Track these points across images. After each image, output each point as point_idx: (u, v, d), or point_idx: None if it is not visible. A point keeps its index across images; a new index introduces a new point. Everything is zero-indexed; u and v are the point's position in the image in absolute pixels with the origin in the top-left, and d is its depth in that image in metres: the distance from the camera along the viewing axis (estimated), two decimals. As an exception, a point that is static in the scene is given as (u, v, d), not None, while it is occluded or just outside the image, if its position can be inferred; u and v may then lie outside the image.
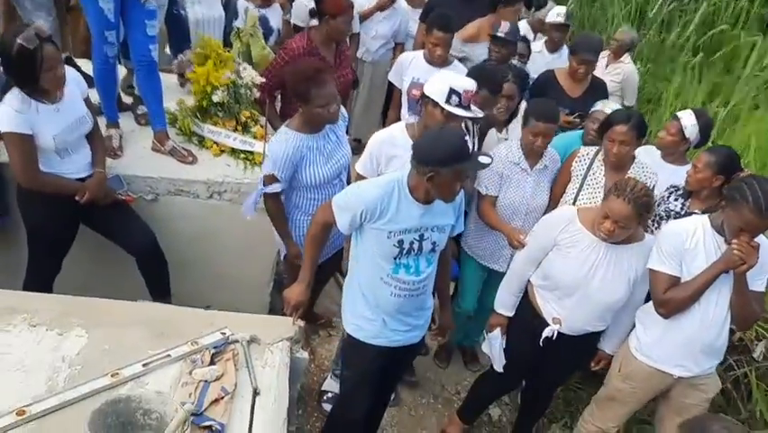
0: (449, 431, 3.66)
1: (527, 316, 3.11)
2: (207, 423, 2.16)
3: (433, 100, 2.97)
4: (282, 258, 3.46)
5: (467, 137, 2.50)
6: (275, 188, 3.10)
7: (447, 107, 2.93)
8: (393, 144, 3.09)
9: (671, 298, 2.79)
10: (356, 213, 2.55)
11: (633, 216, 2.70)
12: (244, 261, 3.76)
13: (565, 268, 2.91)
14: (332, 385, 3.66)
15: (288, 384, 2.53)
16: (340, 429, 3.09)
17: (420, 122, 3.12)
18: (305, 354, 2.79)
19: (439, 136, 2.44)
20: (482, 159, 2.46)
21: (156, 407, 2.04)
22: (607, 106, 3.72)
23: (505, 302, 3.19)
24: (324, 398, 3.67)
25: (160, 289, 3.38)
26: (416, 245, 2.59)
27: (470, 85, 2.99)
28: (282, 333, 2.69)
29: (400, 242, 2.57)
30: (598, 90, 4.44)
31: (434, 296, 2.92)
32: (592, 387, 3.43)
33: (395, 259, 2.60)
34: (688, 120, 3.50)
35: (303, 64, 3.16)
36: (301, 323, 2.76)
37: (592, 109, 3.79)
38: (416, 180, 2.51)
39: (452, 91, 2.93)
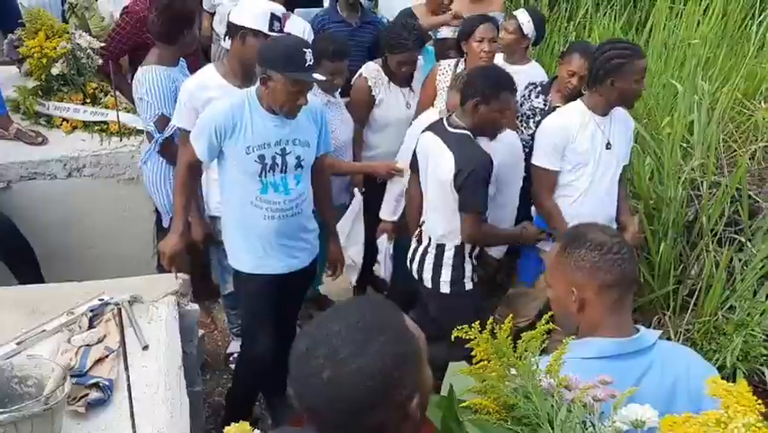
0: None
1: None
2: (93, 381, 2.07)
3: (252, 30, 2.81)
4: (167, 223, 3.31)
5: (308, 50, 2.46)
6: (172, 127, 3.04)
7: (273, 35, 2.77)
8: (205, 88, 2.88)
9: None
10: (210, 132, 2.50)
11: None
12: (121, 238, 3.59)
13: None
14: (236, 347, 3.59)
15: (178, 336, 2.47)
16: (248, 372, 3.03)
17: (232, 56, 2.94)
18: (194, 306, 2.72)
19: (279, 39, 2.44)
20: (317, 75, 2.47)
21: (30, 372, 1.92)
22: None
23: (389, 208, 3.31)
24: (231, 359, 3.60)
25: (30, 281, 3.18)
26: (279, 160, 2.57)
27: (282, 8, 2.99)
28: (165, 289, 2.61)
29: (261, 157, 2.54)
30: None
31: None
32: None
33: (260, 177, 2.56)
34: (523, 17, 3.63)
35: (177, 6, 3.08)
36: (185, 276, 2.68)
37: None
38: (261, 88, 2.48)
39: (273, 17, 2.80)
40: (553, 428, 1.08)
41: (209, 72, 2.96)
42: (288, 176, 2.61)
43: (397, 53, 3.41)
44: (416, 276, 3.01)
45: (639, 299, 3.68)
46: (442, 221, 2.88)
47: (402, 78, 3.55)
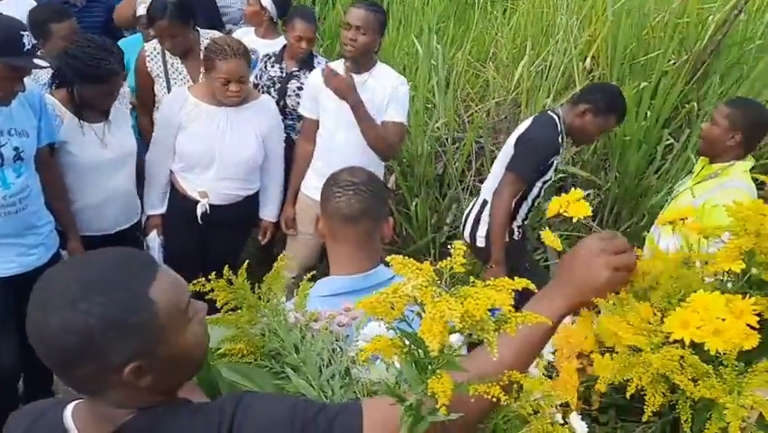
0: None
1: (177, 203, 3.09)
2: None
3: None
4: None
5: (26, 32, 2.27)
6: None
7: None
8: None
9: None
10: None
11: (244, 65, 2.87)
12: None
13: (195, 142, 2.94)
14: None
15: None
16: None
17: None
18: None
19: None
20: (38, 62, 2.30)
21: None
22: None
23: (154, 202, 3.10)
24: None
25: None
26: None
27: None
28: None
29: None
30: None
31: None
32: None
33: None
34: None
35: None
36: None
37: None
38: None
39: None
40: (298, 355, 1.14)
41: None
42: (6, 169, 2.39)
43: (102, 83, 2.66)
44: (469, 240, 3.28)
45: (404, 251, 3.96)
46: (495, 179, 3.12)
47: (99, 111, 2.80)
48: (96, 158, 2.78)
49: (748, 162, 2.79)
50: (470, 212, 3.33)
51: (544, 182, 3.15)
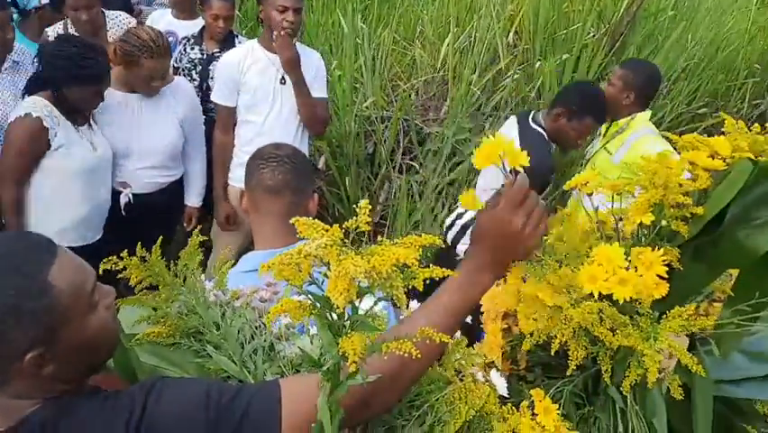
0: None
1: None
2: None
3: None
4: None
5: None
6: None
7: None
8: None
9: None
10: None
11: (169, 60, 2.85)
12: None
13: (110, 132, 2.82)
14: None
15: None
16: None
17: None
18: None
19: None
20: None
21: None
22: None
23: None
24: None
25: None
26: None
27: None
28: None
29: None
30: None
31: None
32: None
33: None
34: None
35: None
36: None
37: None
38: None
39: None
40: (219, 331, 1.11)
41: None
42: None
43: (93, 84, 2.59)
44: (449, 243, 3.05)
45: (337, 232, 3.93)
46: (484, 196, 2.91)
47: (84, 114, 2.72)
48: (90, 161, 2.69)
49: (648, 112, 3.10)
50: (462, 228, 3.08)
51: None
